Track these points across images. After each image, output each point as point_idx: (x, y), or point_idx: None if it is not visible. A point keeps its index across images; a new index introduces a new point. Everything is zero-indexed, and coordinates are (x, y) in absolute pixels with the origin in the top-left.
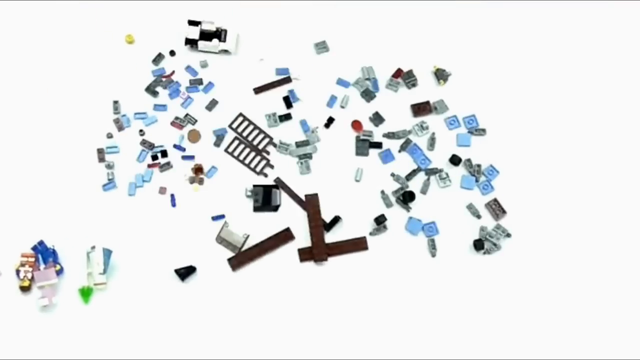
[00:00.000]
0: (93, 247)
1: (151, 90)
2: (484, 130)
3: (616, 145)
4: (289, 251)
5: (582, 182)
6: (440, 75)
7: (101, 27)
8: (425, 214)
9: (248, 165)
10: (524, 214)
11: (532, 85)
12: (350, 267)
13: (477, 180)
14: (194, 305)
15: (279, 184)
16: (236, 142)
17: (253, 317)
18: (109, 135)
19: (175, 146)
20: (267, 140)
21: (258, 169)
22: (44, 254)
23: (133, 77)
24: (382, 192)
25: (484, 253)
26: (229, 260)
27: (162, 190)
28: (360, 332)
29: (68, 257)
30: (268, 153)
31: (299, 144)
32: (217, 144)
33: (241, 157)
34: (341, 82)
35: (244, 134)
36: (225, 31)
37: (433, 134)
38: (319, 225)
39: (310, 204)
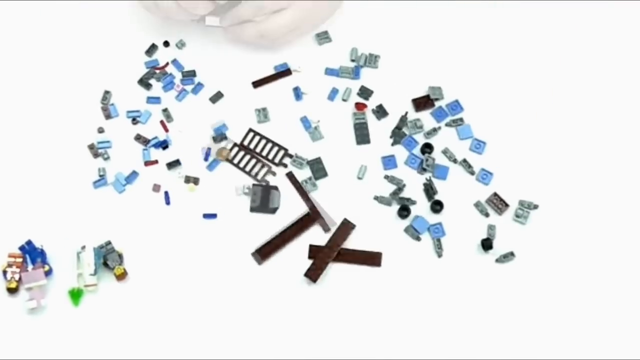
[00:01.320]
0: (83, 247)
1: (144, 82)
2: (461, 119)
3: (611, 128)
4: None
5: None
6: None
7: (92, 18)
8: (428, 213)
9: (249, 173)
10: (537, 210)
11: (521, 76)
12: (352, 266)
13: (472, 173)
14: (189, 307)
15: (291, 179)
16: (235, 149)
17: (251, 318)
18: (100, 130)
19: (160, 142)
20: (282, 152)
21: (259, 176)
22: (32, 254)
23: (125, 69)
24: (376, 197)
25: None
26: (253, 254)
27: (156, 188)
28: (363, 332)
29: (57, 258)
30: (285, 166)
31: (311, 162)
32: (216, 140)
33: (241, 165)
34: (330, 72)
35: (257, 150)
36: None
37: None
38: (333, 253)
39: (342, 230)
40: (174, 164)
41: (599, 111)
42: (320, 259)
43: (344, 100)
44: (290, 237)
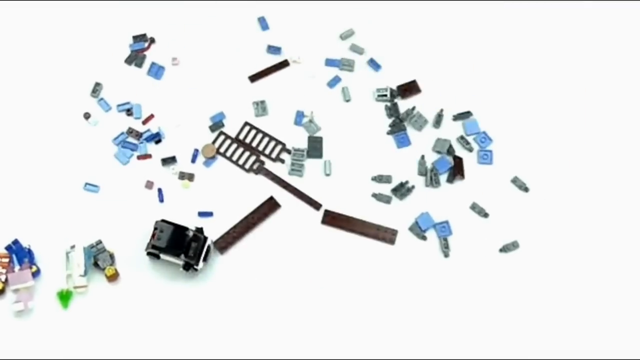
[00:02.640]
0: (73, 247)
1: (132, 60)
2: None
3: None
4: (276, 230)
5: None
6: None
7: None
8: (432, 210)
9: (236, 162)
10: (549, 204)
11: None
12: (355, 266)
13: (470, 150)
14: (183, 310)
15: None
16: (228, 141)
17: (248, 319)
18: (87, 116)
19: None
20: (279, 147)
21: (247, 165)
22: (18, 254)
23: (113, 60)
24: (374, 194)
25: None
26: (215, 243)
27: (149, 185)
28: (367, 334)
29: (45, 258)
30: (283, 161)
31: (311, 139)
32: (213, 128)
33: (234, 158)
34: (330, 63)
35: (253, 144)
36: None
37: (441, 110)
38: (247, 229)
39: (264, 208)
40: (169, 161)
41: (609, 112)
42: (233, 233)
43: (347, 101)
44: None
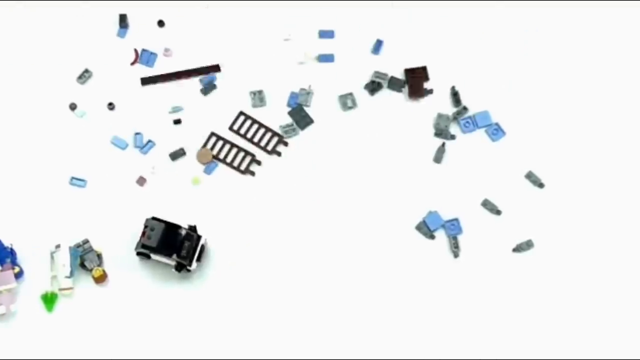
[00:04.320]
0: (58, 246)
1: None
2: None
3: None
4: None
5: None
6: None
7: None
8: (440, 207)
9: (230, 164)
10: (566, 202)
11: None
12: (358, 266)
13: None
14: (174, 312)
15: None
16: (221, 142)
17: (243, 320)
18: (73, 106)
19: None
20: (276, 139)
21: (243, 166)
22: (0, 254)
23: (101, 46)
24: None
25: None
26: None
27: (141, 181)
28: (372, 338)
29: (28, 258)
30: (279, 154)
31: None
32: (205, 92)
33: (227, 159)
34: (324, 34)
35: (248, 136)
36: None
37: (453, 87)
38: None
39: None
40: (178, 154)
41: (630, 104)
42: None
43: (349, 107)
44: None
